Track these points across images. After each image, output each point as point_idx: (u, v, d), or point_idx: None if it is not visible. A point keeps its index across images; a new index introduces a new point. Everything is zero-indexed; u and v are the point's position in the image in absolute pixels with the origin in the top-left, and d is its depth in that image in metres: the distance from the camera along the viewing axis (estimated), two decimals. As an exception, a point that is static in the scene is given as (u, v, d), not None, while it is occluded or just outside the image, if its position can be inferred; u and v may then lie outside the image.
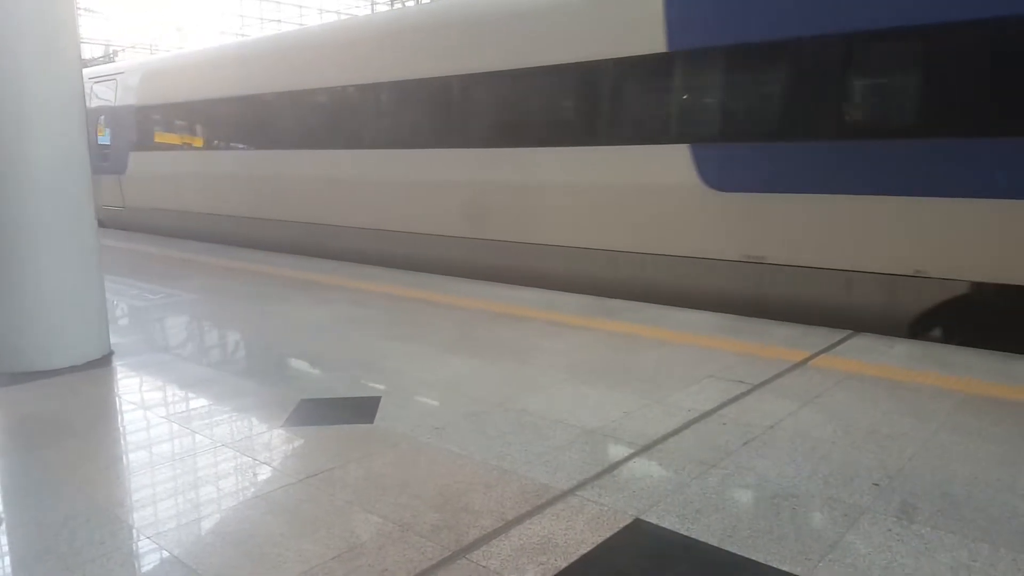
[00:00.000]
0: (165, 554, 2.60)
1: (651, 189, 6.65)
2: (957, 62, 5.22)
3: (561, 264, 7.44)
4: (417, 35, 8.50)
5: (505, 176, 7.68)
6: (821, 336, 5.40)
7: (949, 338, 5.46)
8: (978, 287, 5.25)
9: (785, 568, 2.44)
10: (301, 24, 35.99)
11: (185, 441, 3.63)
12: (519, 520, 2.78)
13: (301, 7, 38.78)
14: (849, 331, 5.53)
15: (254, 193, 10.77)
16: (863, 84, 5.76)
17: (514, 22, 7.53)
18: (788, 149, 5.88)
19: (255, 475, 3.22)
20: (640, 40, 6.51)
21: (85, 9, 31.60)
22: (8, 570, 2.54)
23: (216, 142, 11.50)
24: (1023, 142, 4.95)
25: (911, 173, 5.39)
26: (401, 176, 8.66)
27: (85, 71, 10.70)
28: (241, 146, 10.97)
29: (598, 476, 3.15)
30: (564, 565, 2.47)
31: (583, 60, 6.91)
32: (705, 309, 6.43)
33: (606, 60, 6.77)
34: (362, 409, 4.01)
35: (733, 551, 2.55)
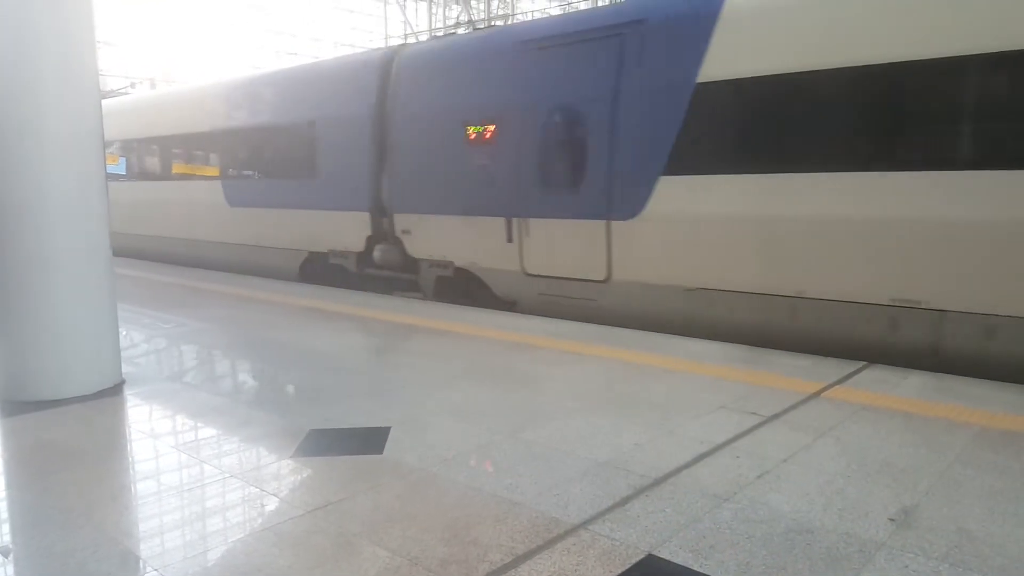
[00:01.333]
0: (172, 587, 2.58)
1: (208, 204, 11.84)
2: (297, 140, 10.21)
3: (175, 247, 12.90)
4: (144, 109, 14.30)
5: (163, 196, 13.08)
6: (834, 367, 5.35)
7: (315, 278, 10.31)
8: (313, 253, 10.34)
9: (800, 606, 2.40)
10: (316, 57, 36.53)
11: (194, 471, 3.62)
12: (529, 555, 2.74)
13: (317, 40, 39.46)
14: (863, 362, 5.49)
15: None
16: (270, 151, 10.85)
17: (160, 107, 13.74)
18: (250, 183, 11.26)
19: (263, 506, 3.20)
20: (203, 123, 11.89)
21: (104, 43, 32.28)
22: (15, 602, 2.53)
23: None
24: (315, 182, 9.96)
25: (284, 197, 10.45)
26: (142, 198, 13.83)
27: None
28: None
29: (609, 510, 3.11)
30: (574, 601, 2.44)
31: (185, 132, 12.44)
32: (229, 271, 11.43)
33: (190, 133, 12.29)
34: (371, 439, 3.99)
35: (747, 588, 2.51)
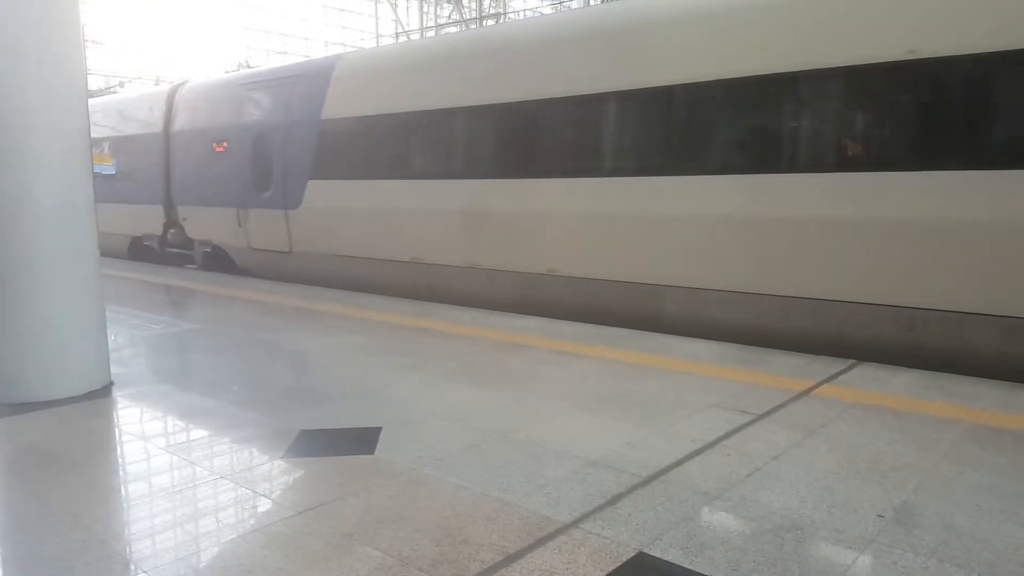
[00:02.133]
0: (162, 588, 2.57)
1: None
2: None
3: None
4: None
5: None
6: (824, 365, 5.38)
7: (136, 256, 13.66)
8: (134, 237, 13.51)
9: (790, 603, 2.41)
10: (307, 56, 36.45)
11: (184, 473, 3.61)
12: (520, 554, 2.75)
13: (307, 39, 39.35)
14: (852, 360, 5.52)
15: None
16: (107, 158, 13.88)
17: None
18: (107, 182, 13.40)
19: (254, 507, 3.20)
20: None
21: (92, 41, 32.06)
22: (3, 605, 2.51)
23: None
24: (132, 182, 13.17)
25: (116, 194, 13.33)
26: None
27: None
28: None
29: (601, 508, 3.12)
30: (565, 600, 2.44)
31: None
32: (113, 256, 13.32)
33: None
34: (363, 440, 3.98)
35: (737, 585, 2.52)
